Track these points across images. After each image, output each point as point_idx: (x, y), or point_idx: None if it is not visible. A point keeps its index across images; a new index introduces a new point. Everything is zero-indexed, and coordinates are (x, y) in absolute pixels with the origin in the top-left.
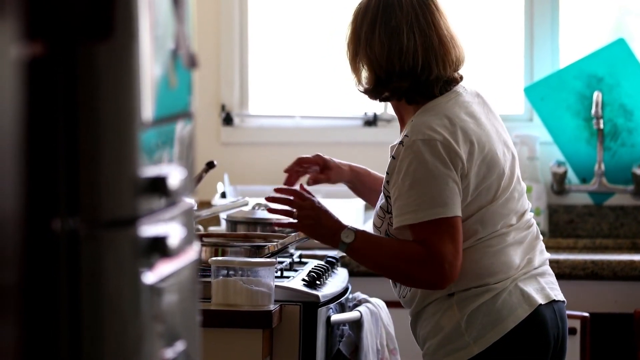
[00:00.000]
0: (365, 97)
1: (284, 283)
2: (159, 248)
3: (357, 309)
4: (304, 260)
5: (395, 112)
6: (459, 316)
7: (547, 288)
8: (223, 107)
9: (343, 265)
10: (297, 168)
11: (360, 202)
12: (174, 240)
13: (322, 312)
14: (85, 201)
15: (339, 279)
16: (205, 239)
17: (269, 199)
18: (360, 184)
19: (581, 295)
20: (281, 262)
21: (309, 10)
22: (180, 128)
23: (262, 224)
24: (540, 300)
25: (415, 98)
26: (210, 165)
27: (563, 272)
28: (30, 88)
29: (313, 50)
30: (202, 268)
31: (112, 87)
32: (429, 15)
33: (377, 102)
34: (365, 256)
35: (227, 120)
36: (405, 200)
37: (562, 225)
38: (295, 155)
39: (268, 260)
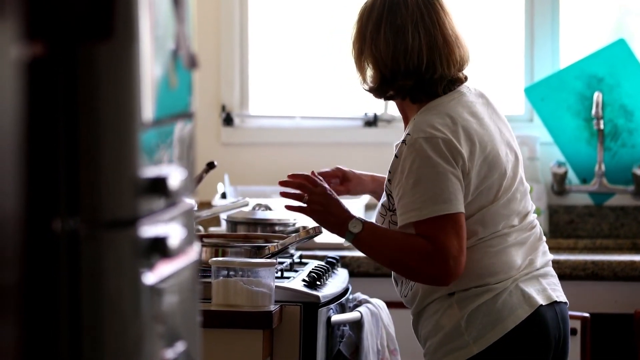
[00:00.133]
0: (370, 95)
1: (285, 283)
2: (159, 248)
3: (357, 309)
4: (304, 260)
5: (400, 111)
6: (459, 316)
7: (548, 289)
8: (223, 108)
9: (343, 266)
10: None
11: (360, 201)
12: (174, 241)
13: (322, 312)
14: (86, 201)
15: (339, 279)
16: (205, 240)
17: (282, 183)
18: None
19: (581, 296)
20: (281, 263)
21: (309, 10)
22: (181, 128)
23: (262, 225)
24: (542, 301)
25: (419, 97)
26: (210, 165)
27: (563, 273)
28: (31, 88)
29: (313, 50)
30: (202, 268)
31: (112, 88)
32: (434, 15)
33: (381, 100)
34: (372, 247)
35: (228, 120)
36: (409, 198)
37: (562, 226)
38: (296, 156)
39: (268, 260)
